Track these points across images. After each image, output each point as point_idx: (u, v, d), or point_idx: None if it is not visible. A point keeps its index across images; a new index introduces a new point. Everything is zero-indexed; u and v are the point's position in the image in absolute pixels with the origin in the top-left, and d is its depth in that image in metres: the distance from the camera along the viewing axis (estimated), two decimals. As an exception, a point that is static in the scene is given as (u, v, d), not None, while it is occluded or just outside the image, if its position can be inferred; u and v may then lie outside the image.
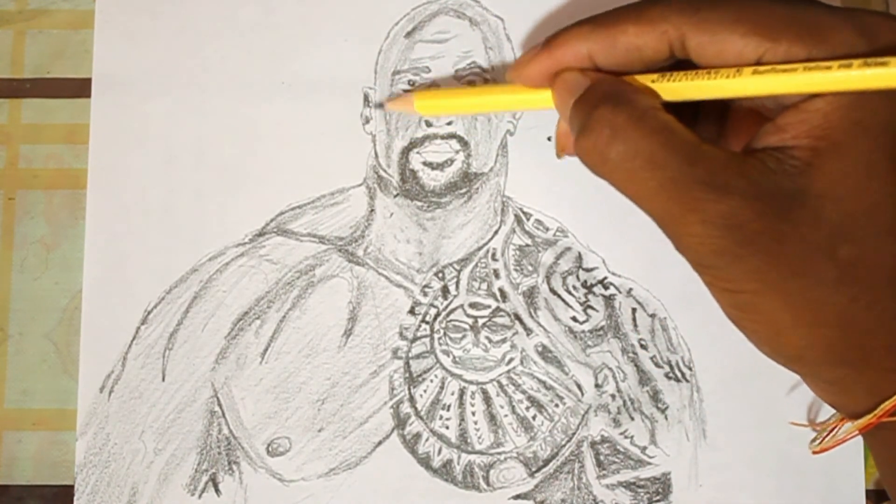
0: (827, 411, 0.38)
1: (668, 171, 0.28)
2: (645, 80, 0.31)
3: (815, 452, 0.35)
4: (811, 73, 0.27)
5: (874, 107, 0.28)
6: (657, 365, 0.39)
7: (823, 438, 0.35)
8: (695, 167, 0.28)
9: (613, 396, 0.38)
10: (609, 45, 0.31)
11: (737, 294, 0.29)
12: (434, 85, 0.40)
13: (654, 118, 0.29)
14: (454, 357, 0.39)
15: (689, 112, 0.33)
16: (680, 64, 0.31)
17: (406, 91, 0.39)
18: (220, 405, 0.39)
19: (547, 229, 0.40)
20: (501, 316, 0.39)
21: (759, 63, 0.29)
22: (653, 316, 0.39)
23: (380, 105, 0.40)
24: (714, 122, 0.35)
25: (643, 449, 0.38)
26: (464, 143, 0.39)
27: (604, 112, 0.30)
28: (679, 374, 0.39)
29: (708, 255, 0.29)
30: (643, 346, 0.39)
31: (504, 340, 0.39)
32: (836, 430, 0.34)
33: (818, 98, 0.28)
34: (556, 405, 0.38)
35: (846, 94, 0.28)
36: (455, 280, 0.39)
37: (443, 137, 0.39)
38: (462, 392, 0.39)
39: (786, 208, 0.28)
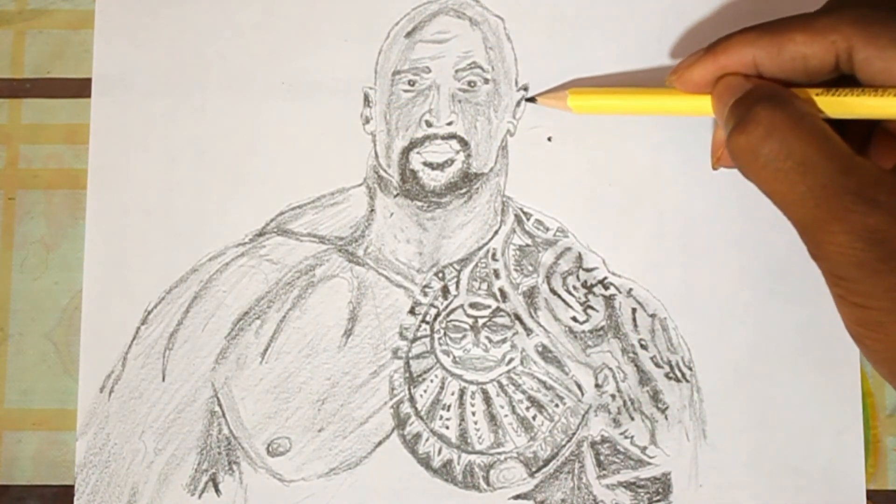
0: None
1: (819, 176, 0.29)
2: (810, 92, 0.31)
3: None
4: None
5: None
6: (657, 365, 0.39)
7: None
8: (847, 177, 0.28)
9: (613, 396, 0.38)
10: (775, 53, 0.31)
11: (867, 310, 0.29)
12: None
13: (812, 123, 0.29)
14: (454, 357, 0.39)
15: (836, 129, 0.33)
16: (840, 82, 0.31)
17: (559, 86, 0.39)
18: (220, 405, 0.39)
19: (547, 229, 0.40)
20: (501, 316, 0.39)
21: None
22: (653, 316, 0.39)
23: (532, 99, 0.39)
24: (858, 142, 0.35)
25: (643, 449, 0.38)
26: (464, 144, 0.39)
27: (762, 110, 0.30)
28: (679, 375, 0.39)
29: (847, 266, 0.29)
30: (643, 347, 0.39)
31: (504, 340, 0.39)
32: None
33: None
34: (557, 405, 0.38)
35: None
36: (455, 280, 0.39)
37: (443, 138, 0.39)
38: (462, 392, 0.39)
39: None
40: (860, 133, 0.35)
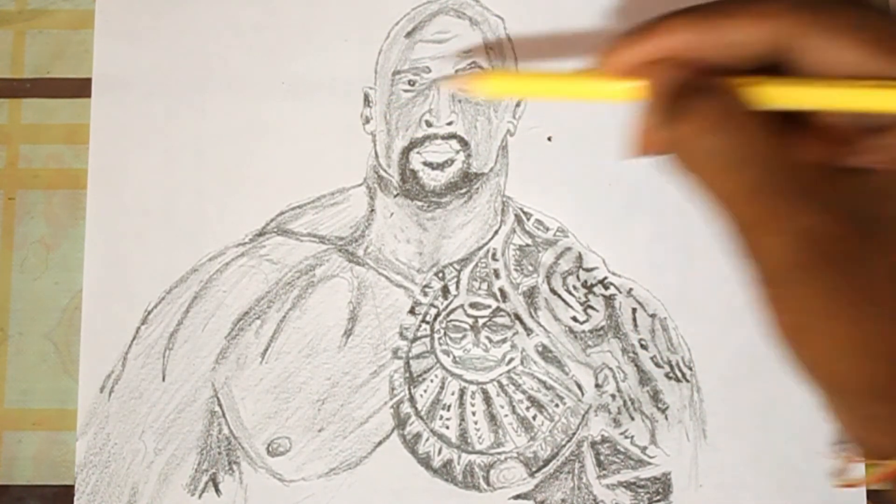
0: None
1: (756, 172, 0.27)
2: (751, 81, 0.30)
3: (839, 486, 0.34)
4: None
5: None
6: (657, 365, 0.39)
7: (852, 474, 0.34)
8: (783, 174, 0.27)
9: (614, 396, 0.38)
10: (716, 37, 0.30)
11: (797, 314, 0.28)
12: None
13: (752, 118, 0.28)
14: (454, 357, 0.39)
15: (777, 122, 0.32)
16: (768, 71, 0.30)
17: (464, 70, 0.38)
18: (220, 405, 0.39)
19: (547, 229, 0.40)
20: (502, 316, 0.39)
21: (874, 77, 0.28)
22: (653, 316, 0.39)
23: (441, 80, 0.38)
24: (798, 136, 0.34)
25: (643, 449, 0.38)
26: (464, 144, 0.39)
27: (700, 103, 0.29)
28: (679, 374, 0.39)
29: (782, 267, 0.28)
30: (643, 346, 0.39)
31: (504, 340, 0.39)
32: (869, 468, 0.33)
33: None
34: (557, 405, 0.38)
35: None
36: (455, 280, 0.39)
37: (443, 137, 0.39)
38: (462, 392, 0.39)
39: (871, 232, 0.27)
40: (800, 129, 0.34)
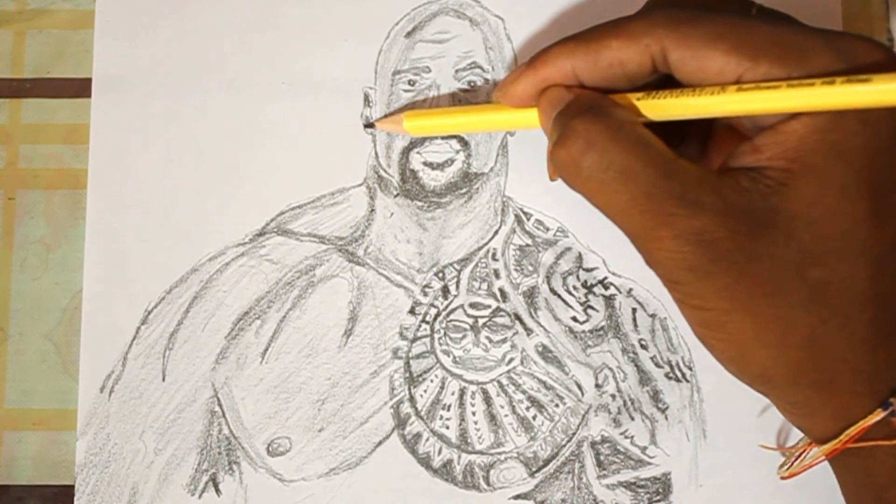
0: (796, 435, 0.38)
1: (641, 184, 0.28)
2: (630, 97, 0.31)
3: (783, 478, 0.35)
4: (794, 90, 0.27)
5: (850, 130, 0.28)
6: (657, 365, 0.39)
7: (791, 463, 0.35)
8: (669, 181, 0.28)
9: (614, 396, 0.38)
10: (592, 61, 0.31)
11: (705, 311, 0.29)
12: (428, 99, 0.40)
13: (631, 131, 0.29)
14: (454, 357, 0.39)
15: (676, 133, 0.33)
16: (665, 85, 0.31)
17: (395, 111, 0.39)
18: (220, 405, 0.39)
19: (547, 229, 0.40)
20: (502, 316, 0.39)
21: (738, 82, 0.29)
22: (653, 316, 0.39)
23: (370, 125, 0.40)
24: (698, 142, 0.35)
25: (643, 449, 0.38)
26: (464, 143, 0.40)
27: (580, 123, 0.30)
28: (679, 375, 0.39)
29: (678, 270, 0.29)
30: (643, 346, 0.39)
31: (504, 340, 0.39)
32: (804, 454, 0.33)
33: (794, 120, 0.28)
34: (557, 405, 0.38)
35: (822, 117, 0.28)
36: (455, 280, 0.39)
37: (443, 137, 0.39)
38: (462, 392, 0.39)
39: (758, 228, 0.28)
40: (700, 135, 0.35)
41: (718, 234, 0.28)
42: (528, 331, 0.39)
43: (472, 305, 0.39)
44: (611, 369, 0.39)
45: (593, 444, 0.38)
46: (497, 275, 0.39)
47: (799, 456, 0.34)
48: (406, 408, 0.39)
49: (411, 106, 0.40)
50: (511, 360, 0.39)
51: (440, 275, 0.39)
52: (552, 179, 0.36)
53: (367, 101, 0.40)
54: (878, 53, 0.28)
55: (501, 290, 0.39)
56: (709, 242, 0.28)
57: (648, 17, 0.30)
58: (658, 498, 0.38)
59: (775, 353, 0.29)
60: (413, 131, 0.38)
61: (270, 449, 0.38)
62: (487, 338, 0.39)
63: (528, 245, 0.40)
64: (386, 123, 0.39)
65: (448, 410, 0.39)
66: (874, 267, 0.28)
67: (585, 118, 0.30)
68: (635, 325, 0.39)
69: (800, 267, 0.28)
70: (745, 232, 0.28)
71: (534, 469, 0.38)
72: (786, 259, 0.28)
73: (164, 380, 0.39)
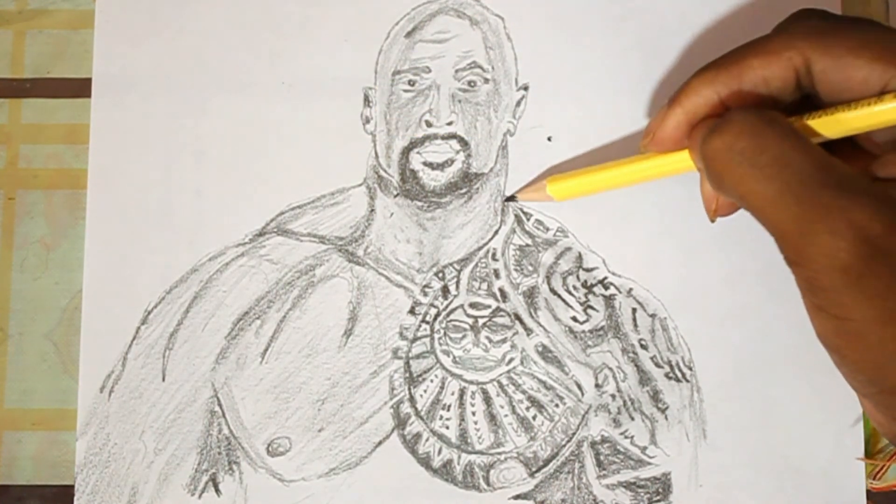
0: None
1: (796, 172, 0.27)
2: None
3: (874, 489, 0.35)
4: None
5: None
6: (657, 365, 0.39)
7: (879, 471, 0.34)
8: (825, 172, 0.27)
9: (613, 396, 0.38)
10: (736, 84, 0.31)
11: (846, 321, 0.28)
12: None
13: (787, 124, 0.29)
14: (454, 357, 0.39)
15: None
16: (805, 104, 0.31)
17: (535, 180, 0.39)
18: (220, 405, 0.39)
19: (547, 229, 0.40)
20: (501, 316, 0.39)
21: (884, 91, 0.28)
22: (653, 316, 0.39)
23: (511, 198, 0.39)
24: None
25: (643, 449, 0.38)
26: (464, 144, 0.39)
27: (736, 113, 0.29)
28: (679, 375, 0.39)
29: (830, 272, 0.27)
30: (643, 346, 0.39)
31: (504, 340, 0.39)
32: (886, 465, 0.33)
33: None
34: (557, 405, 0.38)
35: None
36: (455, 280, 0.39)
37: (443, 138, 0.39)
38: (462, 392, 0.39)
39: None
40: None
41: (878, 230, 0.26)
42: (528, 331, 0.39)
43: (472, 305, 0.39)
44: (611, 369, 0.39)
45: (593, 444, 0.38)
46: (497, 275, 0.39)
47: (884, 466, 0.34)
48: (406, 408, 0.39)
49: (422, 114, 0.40)
50: (511, 360, 0.39)
51: (440, 275, 0.39)
52: (712, 220, 0.35)
53: (367, 101, 0.40)
54: None
55: (501, 290, 0.39)
56: (867, 238, 0.26)
57: (787, 31, 0.30)
58: (658, 498, 0.38)
59: None
60: (558, 196, 0.37)
61: (270, 449, 0.38)
62: (487, 338, 0.39)
63: (527, 245, 0.40)
64: (528, 193, 0.39)
65: (448, 410, 0.39)
66: None
67: (740, 111, 0.29)
68: (635, 325, 0.39)
69: None
70: None
71: (534, 469, 0.38)
72: None
73: (164, 380, 0.39)
